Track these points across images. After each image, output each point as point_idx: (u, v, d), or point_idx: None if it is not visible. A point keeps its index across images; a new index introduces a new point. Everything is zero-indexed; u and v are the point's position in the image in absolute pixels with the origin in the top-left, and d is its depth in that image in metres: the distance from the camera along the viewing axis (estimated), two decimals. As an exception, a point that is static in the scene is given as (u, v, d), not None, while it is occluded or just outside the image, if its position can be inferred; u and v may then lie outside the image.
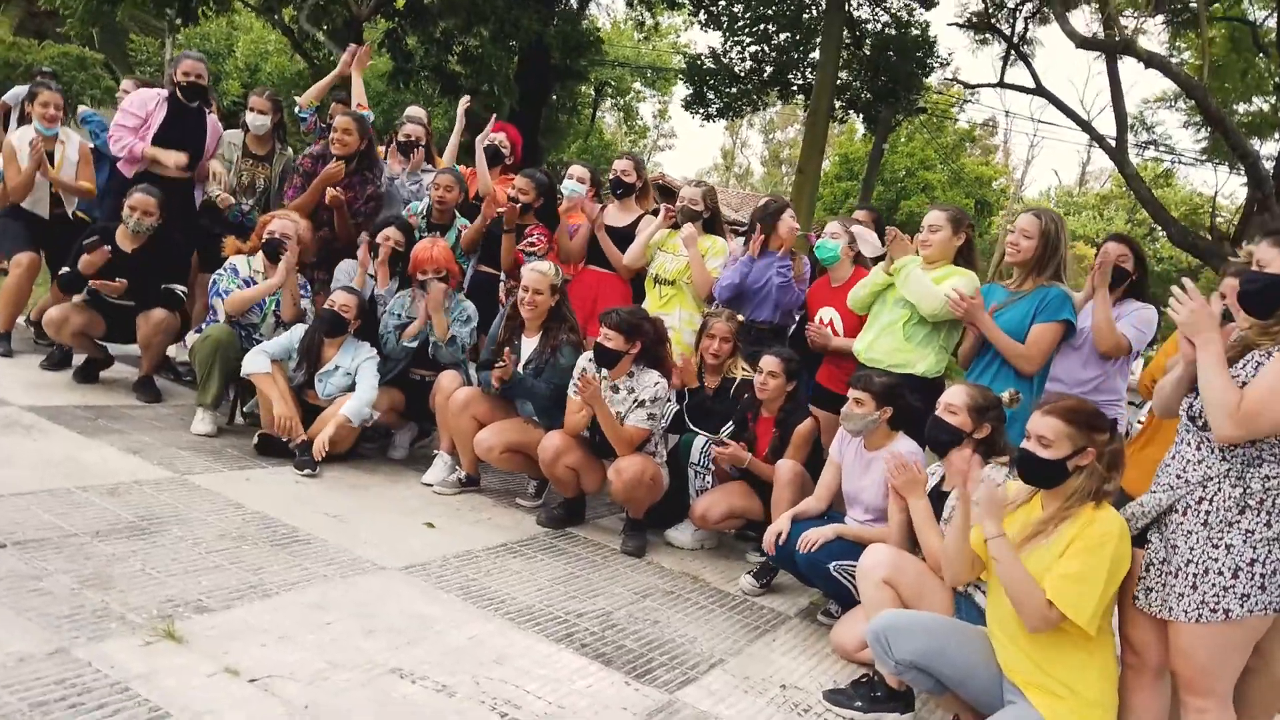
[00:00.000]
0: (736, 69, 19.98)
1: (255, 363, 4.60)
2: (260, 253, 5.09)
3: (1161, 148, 20.66)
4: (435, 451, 4.90)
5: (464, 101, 6.23)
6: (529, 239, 5.39)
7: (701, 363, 4.73)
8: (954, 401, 3.31)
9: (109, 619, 2.69)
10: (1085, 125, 14.81)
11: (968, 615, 3.12)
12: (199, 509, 3.72)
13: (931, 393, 4.21)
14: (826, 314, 4.80)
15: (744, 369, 4.66)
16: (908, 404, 3.82)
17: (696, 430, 4.64)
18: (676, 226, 5.30)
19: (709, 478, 4.55)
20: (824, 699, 3.14)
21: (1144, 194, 14.45)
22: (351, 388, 4.71)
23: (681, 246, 5.16)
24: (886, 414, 3.75)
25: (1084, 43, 13.10)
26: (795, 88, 20.42)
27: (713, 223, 5.25)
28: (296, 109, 5.70)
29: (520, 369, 4.53)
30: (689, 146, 74.38)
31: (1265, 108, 18.51)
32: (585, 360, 4.43)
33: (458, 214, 5.58)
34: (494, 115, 6.11)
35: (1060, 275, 3.91)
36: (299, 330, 4.81)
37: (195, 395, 4.95)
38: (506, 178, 6.05)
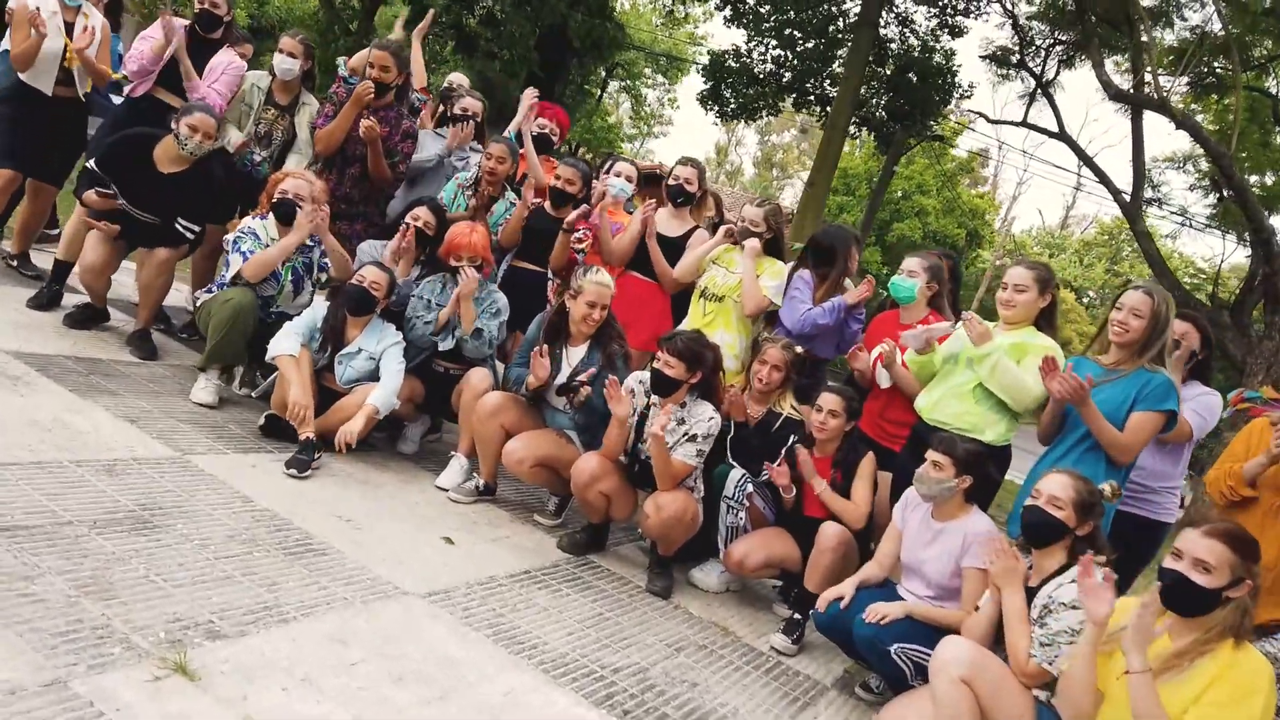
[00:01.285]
0: (756, 70, 19.64)
1: (284, 345, 4.21)
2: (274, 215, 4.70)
3: (1166, 207, 20.61)
4: (452, 454, 4.54)
5: (529, 94, 5.75)
6: (575, 232, 5.04)
7: (746, 387, 4.43)
8: (1060, 495, 3.02)
9: (111, 641, 2.33)
10: (1104, 177, 14.66)
11: (1048, 728, 2.86)
12: (204, 500, 3.34)
13: (997, 461, 3.97)
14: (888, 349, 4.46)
15: (793, 407, 4.36)
16: (989, 476, 3.56)
17: (733, 463, 4.33)
18: (735, 242, 5.00)
19: (742, 514, 4.25)
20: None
21: (1152, 253, 14.35)
22: (373, 373, 4.35)
23: (737, 262, 4.83)
24: (965, 484, 3.48)
25: (1119, 95, 12.95)
26: (812, 97, 20.13)
27: (774, 244, 4.93)
28: (341, 68, 5.28)
29: (568, 381, 4.20)
30: (684, 137, 73.72)
31: (1269, 181, 18.54)
32: (635, 381, 4.11)
33: (508, 187, 5.21)
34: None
35: (1164, 358, 3.65)
36: (321, 306, 4.42)
37: (199, 358, 4.56)
38: (549, 162, 5.70)
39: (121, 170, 4.63)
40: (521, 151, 5.33)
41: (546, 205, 5.16)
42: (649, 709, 2.95)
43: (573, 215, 4.92)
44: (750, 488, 4.21)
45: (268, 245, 4.61)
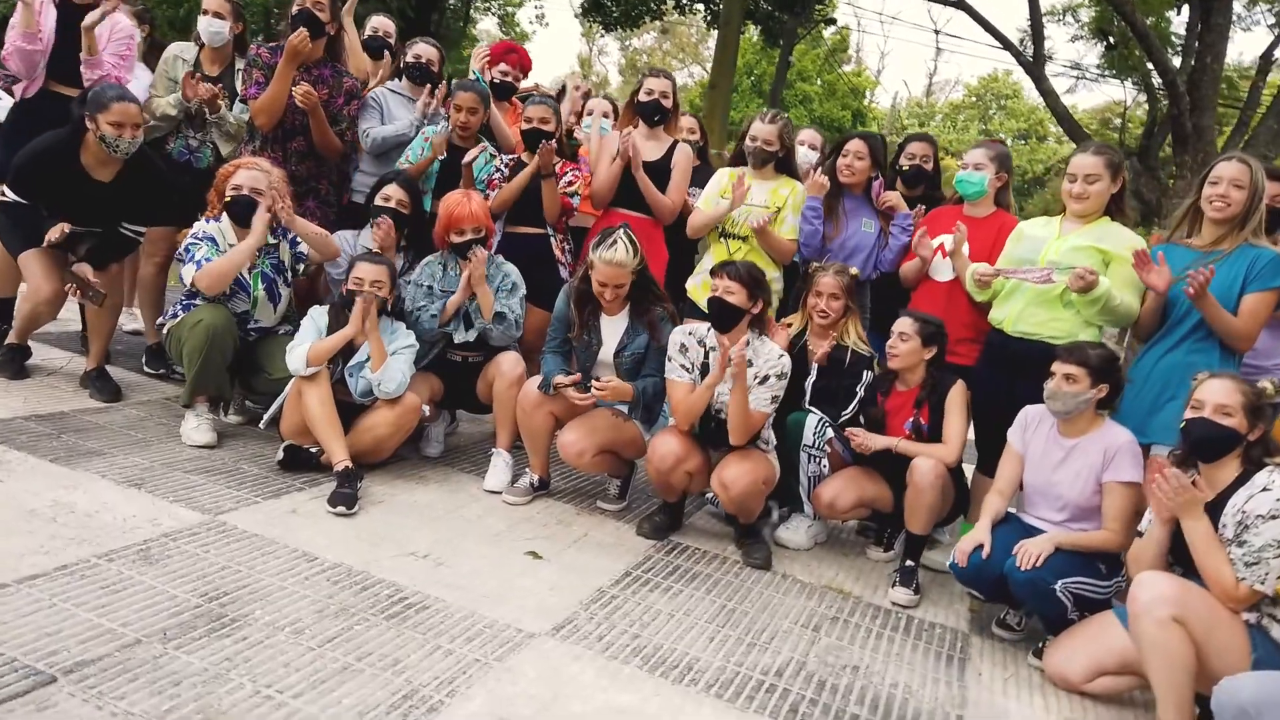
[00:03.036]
0: (635, -26, 18.83)
1: (300, 350, 3.68)
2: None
3: (1056, 61, 20.80)
4: (493, 451, 4.08)
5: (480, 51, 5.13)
6: (562, 177, 4.50)
7: (808, 325, 4.08)
8: (1227, 402, 2.77)
9: (265, 797, 1.87)
10: (1005, 41, 14.59)
11: (1264, 650, 2.66)
12: (267, 570, 2.83)
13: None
14: (950, 242, 4.05)
15: (859, 337, 4.02)
16: (1122, 381, 3.30)
17: (809, 409, 3.98)
18: (739, 161, 4.56)
19: (824, 461, 3.93)
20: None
21: (1060, 110, 14.45)
22: (390, 381, 3.82)
23: (752, 196, 4.36)
24: (1101, 393, 3.23)
25: (1018, -47, 12.72)
26: (692, -4, 19.46)
27: (787, 161, 4.50)
28: (251, 57, 4.53)
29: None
30: (543, 54, 71.42)
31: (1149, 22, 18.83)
32: (683, 334, 3.68)
33: (483, 139, 4.62)
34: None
35: (1261, 230, 3.42)
36: (320, 313, 3.84)
37: (179, 393, 3.95)
38: (514, 107, 5.13)
39: (51, 190, 3.89)
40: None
41: (525, 156, 4.59)
42: (838, 713, 2.64)
43: (540, 155, 4.35)
44: (830, 433, 3.89)
45: (226, 251, 3.96)
